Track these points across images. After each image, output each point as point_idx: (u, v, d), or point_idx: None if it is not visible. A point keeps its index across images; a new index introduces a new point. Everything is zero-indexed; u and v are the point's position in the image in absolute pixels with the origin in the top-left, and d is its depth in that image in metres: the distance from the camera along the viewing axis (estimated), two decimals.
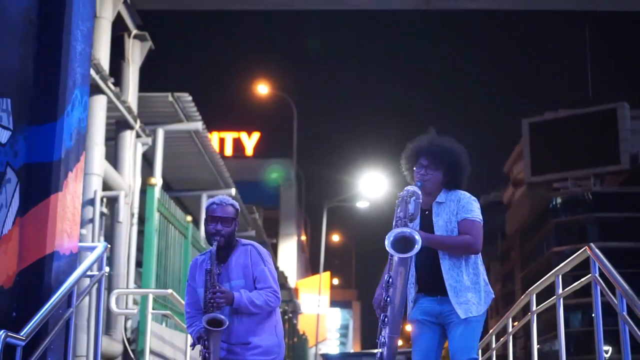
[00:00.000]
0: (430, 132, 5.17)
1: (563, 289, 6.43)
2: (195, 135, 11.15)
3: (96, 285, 5.89)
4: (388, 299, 4.74)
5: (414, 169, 5.01)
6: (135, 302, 9.75)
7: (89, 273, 5.57)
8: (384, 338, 4.81)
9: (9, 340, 4.23)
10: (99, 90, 8.77)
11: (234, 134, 40.31)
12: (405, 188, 4.80)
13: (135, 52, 9.87)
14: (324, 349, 47.42)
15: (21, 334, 4.39)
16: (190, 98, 10.18)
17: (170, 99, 10.02)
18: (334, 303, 61.98)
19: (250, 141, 40.30)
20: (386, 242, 4.58)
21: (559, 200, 65.23)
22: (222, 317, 4.75)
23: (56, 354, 5.14)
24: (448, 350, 5.01)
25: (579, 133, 62.74)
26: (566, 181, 64.98)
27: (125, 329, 9.24)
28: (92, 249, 5.86)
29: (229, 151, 39.18)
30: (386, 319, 4.78)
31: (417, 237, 4.52)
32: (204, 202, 13.57)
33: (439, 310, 4.89)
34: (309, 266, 54.95)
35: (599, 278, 5.63)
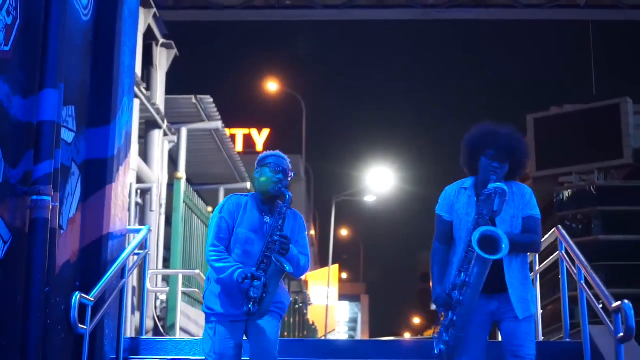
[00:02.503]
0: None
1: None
2: (215, 134, 12.18)
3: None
4: (461, 299, 4.55)
5: (482, 158, 4.79)
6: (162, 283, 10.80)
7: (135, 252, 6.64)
8: (448, 337, 4.64)
9: (82, 300, 5.29)
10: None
11: (245, 130, 41.23)
12: (493, 184, 4.60)
13: (162, 59, 10.93)
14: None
15: (90, 296, 5.45)
16: (211, 100, 11.22)
17: (194, 100, 11.07)
18: (342, 297, 62.99)
19: (260, 137, 41.22)
20: (473, 240, 4.46)
21: (563, 194, 66.05)
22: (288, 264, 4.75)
23: (112, 318, 6.19)
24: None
25: (583, 128, 63.55)
26: (571, 175, 65.78)
27: (155, 307, 10.30)
28: (137, 231, 6.91)
29: (239, 147, 40.01)
30: (455, 319, 4.60)
31: (505, 240, 4.44)
32: (221, 195, 14.64)
33: (495, 307, 4.74)
34: (318, 260, 55.89)
35: (564, 255, 6.61)
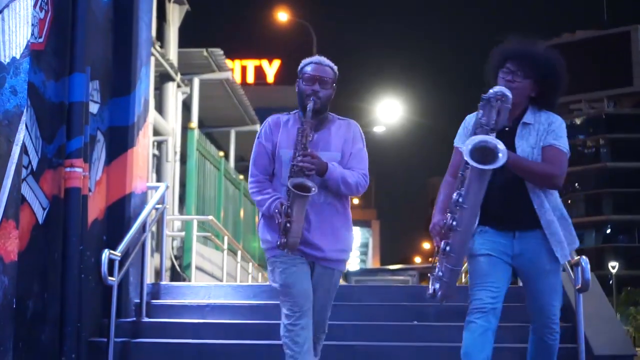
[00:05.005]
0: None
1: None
2: (225, 83, 12.85)
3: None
4: (454, 223, 3.86)
5: (499, 74, 4.12)
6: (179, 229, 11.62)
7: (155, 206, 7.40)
8: (442, 271, 3.98)
9: (110, 256, 6.07)
10: None
11: (256, 62, 41.59)
12: (493, 88, 3.91)
13: (175, 15, 11.54)
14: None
15: (117, 251, 6.23)
16: (221, 52, 11.85)
17: (205, 53, 11.72)
18: (354, 222, 64.19)
19: (271, 69, 41.56)
20: (464, 150, 3.79)
21: (573, 121, 66.54)
22: (311, 183, 4.08)
23: (135, 267, 6.99)
24: None
25: (593, 56, 63.65)
26: (581, 103, 66.16)
27: (172, 248, 11.14)
28: (156, 187, 7.66)
29: (250, 79, 40.55)
30: (448, 248, 3.91)
31: (502, 148, 3.75)
32: (232, 137, 15.38)
33: (518, 249, 4.08)
34: None
35: None
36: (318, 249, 4.31)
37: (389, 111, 31.62)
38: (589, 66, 63.67)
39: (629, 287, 48.56)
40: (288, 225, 4.07)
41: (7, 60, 4.55)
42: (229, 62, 39.81)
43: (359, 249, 72.61)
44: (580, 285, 5.72)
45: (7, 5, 4.57)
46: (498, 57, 4.18)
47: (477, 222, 4.02)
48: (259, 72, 40.98)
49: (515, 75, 4.07)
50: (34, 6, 5.39)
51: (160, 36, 11.24)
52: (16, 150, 4.63)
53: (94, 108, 6.59)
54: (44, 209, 5.57)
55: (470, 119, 4.25)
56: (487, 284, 4.05)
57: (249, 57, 41.30)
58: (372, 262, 75.80)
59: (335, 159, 4.29)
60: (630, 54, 63.59)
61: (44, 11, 5.60)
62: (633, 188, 61.91)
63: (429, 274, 4.12)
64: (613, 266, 45.34)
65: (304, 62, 4.37)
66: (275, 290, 4.42)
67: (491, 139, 3.80)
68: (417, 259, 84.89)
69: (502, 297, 4.09)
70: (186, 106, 12.87)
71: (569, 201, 65.07)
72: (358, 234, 70.40)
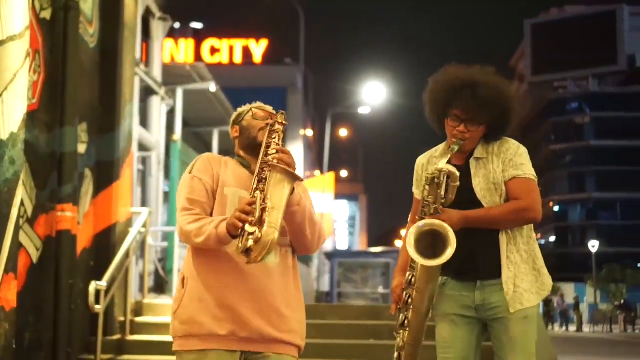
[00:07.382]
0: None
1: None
2: (207, 92, 13.46)
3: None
4: (409, 300, 3.48)
5: (447, 120, 3.60)
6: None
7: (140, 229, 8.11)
8: (403, 341, 3.58)
9: (97, 288, 6.79)
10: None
11: (243, 42, 42.05)
12: (436, 167, 3.42)
13: (159, 31, 12.13)
14: (334, 240, 51.29)
15: (103, 281, 6.94)
16: (203, 65, 12.48)
17: (188, 68, 12.36)
18: (342, 196, 65.28)
19: (258, 48, 42.05)
20: (408, 242, 3.31)
21: (557, 99, 67.31)
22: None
23: (121, 287, 7.71)
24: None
25: (578, 34, 64.34)
26: (566, 81, 66.92)
27: (156, 252, 11.86)
28: (140, 212, 8.35)
29: (238, 58, 41.08)
30: (406, 322, 3.54)
31: (451, 235, 3.25)
32: (215, 136, 16.05)
33: (480, 300, 3.52)
34: (317, 163, 57.28)
35: None
36: (269, 327, 3.07)
37: (374, 93, 32.49)
38: (574, 45, 64.36)
39: (612, 263, 49.60)
40: (263, 215, 2.85)
41: (7, 136, 5.22)
42: (216, 42, 40.32)
43: (347, 221, 73.74)
44: None
45: (5, 89, 5.24)
46: (441, 101, 3.61)
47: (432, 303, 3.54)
48: (247, 52, 41.39)
49: (469, 124, 3.54)
50: (28, 70, 6.06)
51: (145, 52, 11.84)
52: (14, 212, 5.33)
53: (82, 148, 7.26)
54: (38, 250, 6.28)
55: (419, 163, 3.83)
56: (451, 349, 3.58)
57: (236, 36, 41.71)
58: (360, 235, 76.93)
59: None
60: (615, 32, 64.28)
61: (37, 73, 6.28)
62: (616, 166, 62.84)
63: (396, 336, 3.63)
64: (593, 245, 46.45)
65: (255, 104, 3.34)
66: None
67: (437, 222, 3.32)
68: (403, 232, 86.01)
69: (472, 357, 3.60)
70: (172, 112, 13.50)
71: (554, 178, 66.04)
72: (346, 208, 71.56)
